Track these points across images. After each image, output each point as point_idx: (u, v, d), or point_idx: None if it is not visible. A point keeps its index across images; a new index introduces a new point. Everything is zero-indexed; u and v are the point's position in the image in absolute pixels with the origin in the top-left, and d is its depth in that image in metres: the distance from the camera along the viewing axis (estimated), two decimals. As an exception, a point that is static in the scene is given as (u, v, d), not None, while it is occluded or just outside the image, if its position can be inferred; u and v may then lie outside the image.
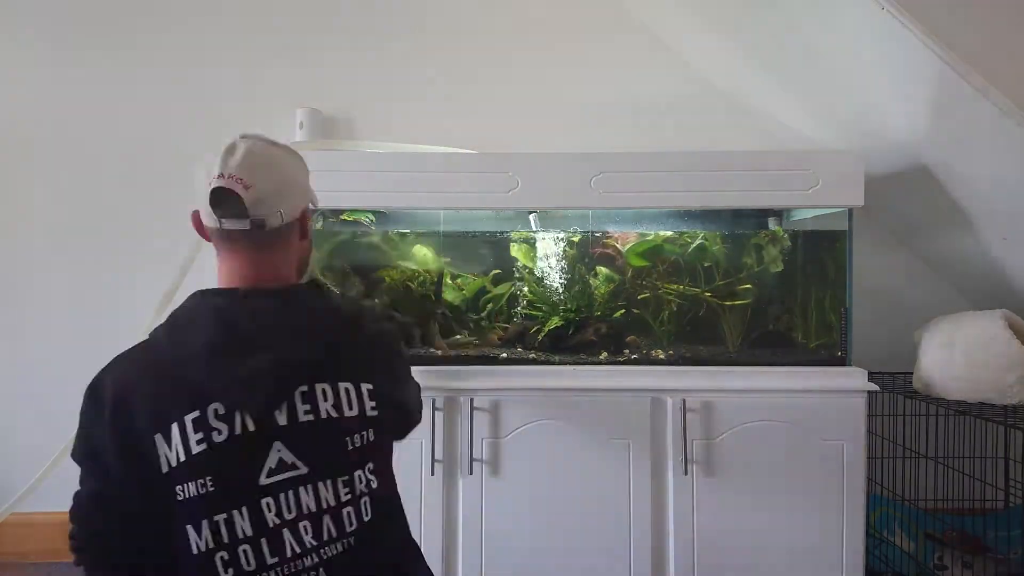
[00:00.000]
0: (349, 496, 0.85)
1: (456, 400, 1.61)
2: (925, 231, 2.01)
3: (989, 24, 1.39)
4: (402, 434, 1.00)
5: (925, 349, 1.70)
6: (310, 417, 0.83)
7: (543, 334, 1.77)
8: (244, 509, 0.79)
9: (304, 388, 0.83)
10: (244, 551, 0.79)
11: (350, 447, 0.85)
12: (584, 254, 1.84)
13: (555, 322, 1.78)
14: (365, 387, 0.88)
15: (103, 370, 0.86)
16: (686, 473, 1.59)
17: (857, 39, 1.53)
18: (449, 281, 1.84)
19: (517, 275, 1.84)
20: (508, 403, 1.59)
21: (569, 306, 1.80)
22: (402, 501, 0.97)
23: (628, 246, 1.81)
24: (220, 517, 0.78)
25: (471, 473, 1.60)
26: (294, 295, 0.88)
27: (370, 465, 0.87)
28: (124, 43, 2.11)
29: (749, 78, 2.05)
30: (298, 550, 0.81)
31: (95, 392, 0.84)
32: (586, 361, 1.72)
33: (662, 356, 1.74)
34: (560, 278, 1.84)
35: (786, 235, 1.77)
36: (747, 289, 1.77)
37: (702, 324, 1.79)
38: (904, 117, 1.64)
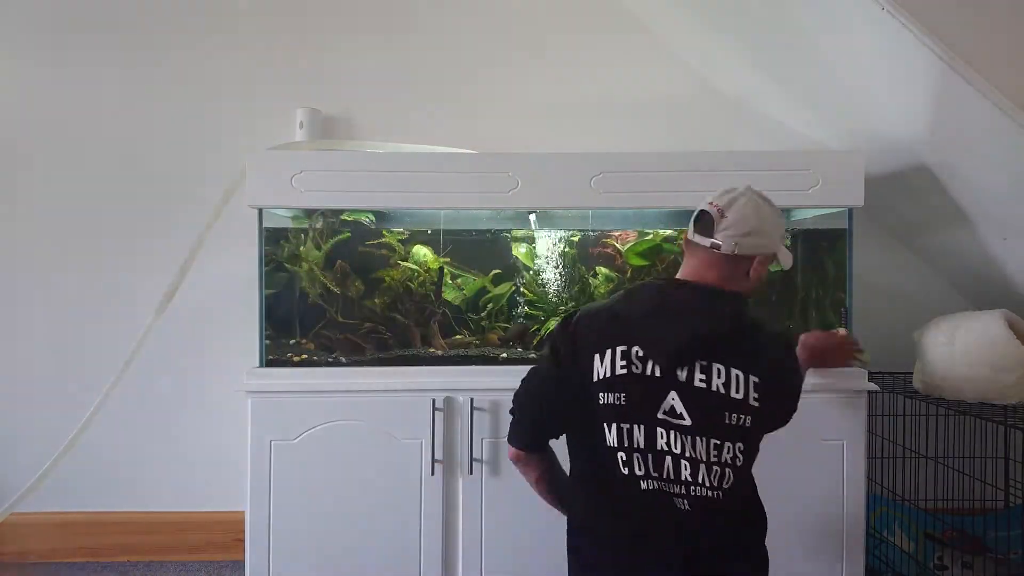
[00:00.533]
0: (716, 459, 1.01)
1: (456, 400, 1.61)
2: (925, 231, 2.01)
3: (989, 24, 1.39)
4: (782, 422, 1.14)
5: (925, 349, 1.70)
6: (703, 385, 1.02)
7: (542, 335, 1.77)
8: (642, 427, 1.02)
9: (704, 362, 1.02)
10: (637, 457, 1.02)
11: (727, 421, 1.01)
12: (584, 254, 1.84)
13: (554, 323, 1.78)
14: (753, 379, 1.03)
15: (578, 309, 1.13)
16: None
17: (857, 39, 1.53)
18: (449, 281, 1.84)
19: (517, 275, 1.84)
20: (508, 403, 1.58)
21: (569, 306, 1.80)
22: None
23: (627, 246, 1.81)
24: (625, 425, 1.02)
25: (471, 473, 1.60)
26: (717, 292, 1.08)
27: (740, 445, 1.03)
28: (124, 43, 2.10)
29: (749, 78, 2.05)
30: (673, 476, 1.01)
31: (568, 318, 1.11)
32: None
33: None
34: (560, 278, 1.84)
35: (787, 235, 1.77)
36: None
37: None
38: (904, 117, 1.64)
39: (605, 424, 1.03)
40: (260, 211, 1.68)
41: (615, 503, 1.05)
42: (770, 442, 1.58)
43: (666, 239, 1.79)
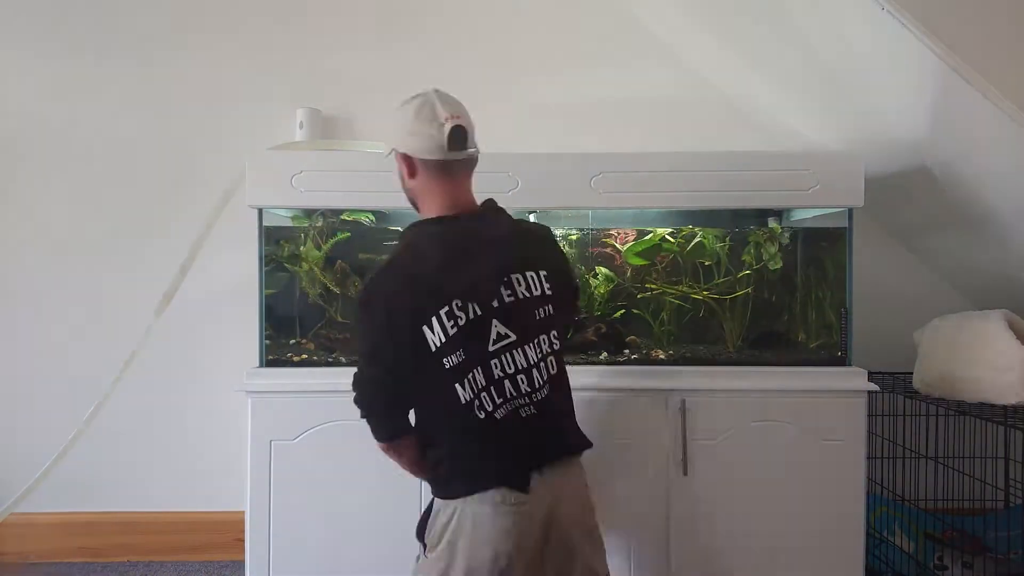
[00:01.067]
0: (541, 355, 1.13)
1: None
2: (925, 231, 2.01)
3: (989, 24, 1.39)
4: (572, 303, 1.30)
5: (925, 349, 1.70)
6: (512, 299, 1.11)
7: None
8: (479, 368, 1.09)
9: (506, 279, 1.12)
10: (484, 396, 1.09)
11: (537, 317, 1.14)
12: (584, 254, 1.84)
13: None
14: (542, 273, 1.16)
15: (368, 288, 1.13)
16: (685, 474, 1.58)
17: (857, 39, 1.53)
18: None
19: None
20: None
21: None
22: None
23: (627, 246, 1.81)
24: (468, 376, 1.08)
25: (471, 473, 1.60)
26: (493, 208, 1.20)
27: (553, 332, 1.16)
28: (124, 44, 2.10)
29: (749, 78, 2.05)
30: (516, 393, 1.10)
31: (368, 306, 1.12)
32: (586, 361, 1.72)
33: (662, 356, 1.74)
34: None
35: (785, 232, 1.77)
36: (746, 288, 1.76)
37: (702, 324, 1.80)
38: (904, 117, 1.64)
39: (456, 385, 1.08)
40: (260, 211, 1.68)
41: (478, 444, 1.11)
42: (771, 442, 1.59)
43: (664, 238, 1.79)
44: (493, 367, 1.10)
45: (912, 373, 1.75)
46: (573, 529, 1.13)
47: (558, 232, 1.84)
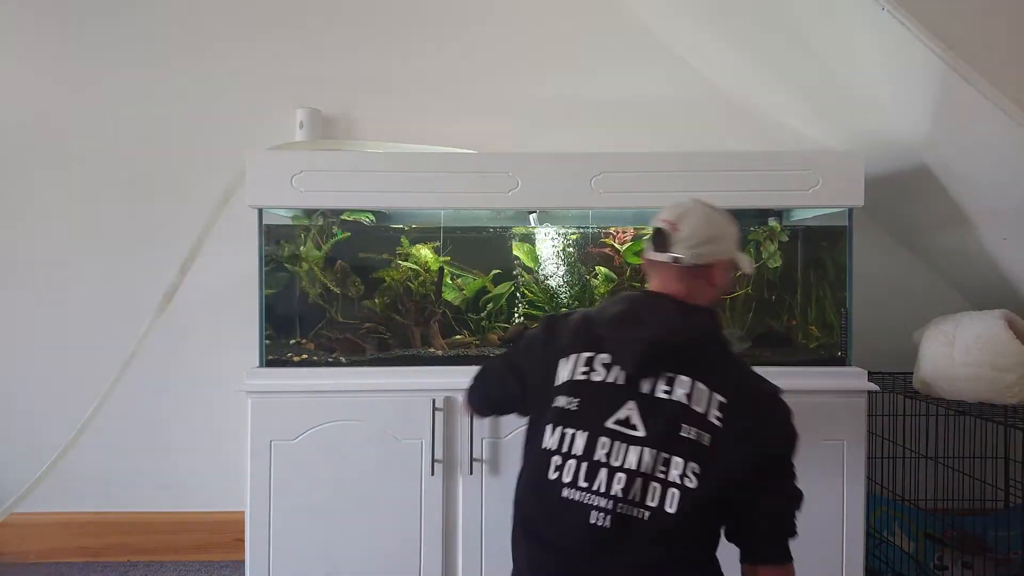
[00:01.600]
0: (663, 476, 0.96)
1: (456, 400, 1.61)
2: (925, 231, 2.01)
3: (989, 24, 1.39)
4: (768, 474, 1.04)
5: (925, 349, 1.70)
6: (665, 396, 1.00)
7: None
8: (585, 434, 0.99)
9: (670, 374, 1.01)
10: (570, 464, 0.98)
11: (683, 434, 0.97)
12: (584, 254, 1.84)
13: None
14: (718, 397, 0.99)
15: (562, 312, 1.25)
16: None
17: (857, 39, 1.53)
18: (449, 281, 1.84)
19: (517, 275, 1.84)
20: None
21: (574, 305, 1.80)
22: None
23: (626, 246, 1.81)
24: (569, 431, 1.00)
25: (471, 473, 1.60)
26: (689, 306, 1.08)
27: (694, 465, 0.96)
28: (124, 43, 2.10)
29: (749, 78, 2.05)
30: (604, 489, 0.96)
31: (550, 320, 1.17)
32: (586, 361, 1.71)
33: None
34: (560, 278, 1.84)
35: (784, 231, 1.77)
36: (746, 287, 1.76)
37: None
38: (904, 117, 1.64)
39: (549, 426, 1.02)
40: (260, 211, 1.68)
41: (535, 505, 1.02)
42: (770, 442, 1.59)
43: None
44: (599, 444, 0.97)
45: (912, 373, 1.75)
46: None
47: (558, 232, 1.84)
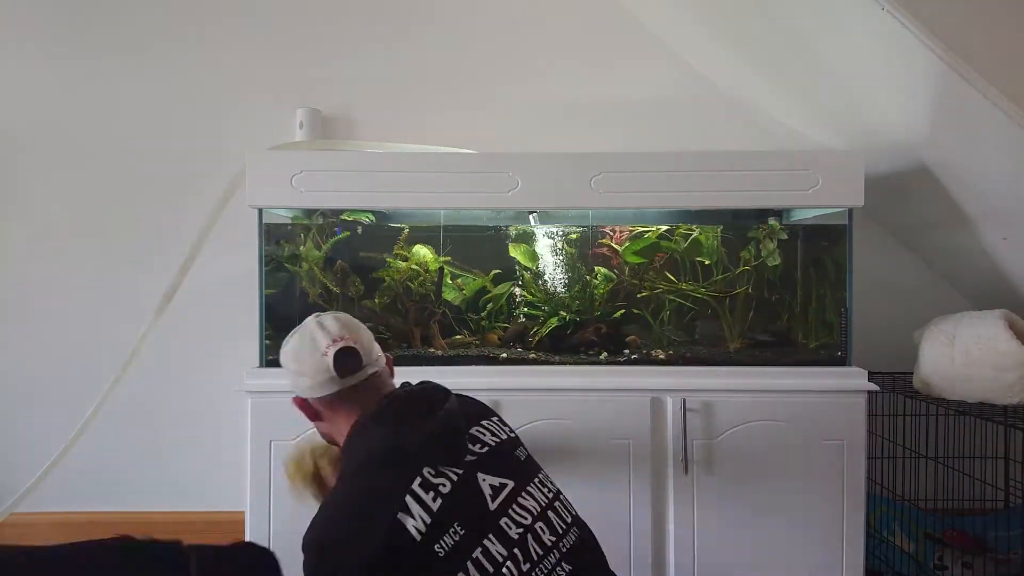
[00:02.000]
0: (551, 494, 0.99)
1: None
2: (925, 231, 2.01)
3: (989, 24, 1.39)
4: None
5: (925, 349, 1.70)
6: (483, 448, 0.99)
7: (541, 334, 1.77)
8: (492, 535, 0.89)
9: (472, 434, 1.00)
10: (507, 569, 0.87)
11: (521, 458, 1.02)
12: (583, 253, 1.84)
13: (554, 322, 1.78)
14: (494, 419, 1.07)
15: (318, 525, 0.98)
16: (686, 473, 1.59)
17: (857, 39, 1.53)
18: (449, 281, 1.84)
19: (517, 275, 1.84)
20: (508, 403, 1.58)
21: (569, 305, 1.80)
22: None
23: (625, 245, 1.81)
24: (478, 552, 0.87)
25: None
26: (425, 383, 1.09)
27: (540, 473, 1.03)
28: (124, 43, 2.10)
29: (749, 78, 2.05)
30: (540, 551, 0.91)
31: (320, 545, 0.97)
32: (586, 361, 1.72)
33: (662, 356, 1.74)
34: (560, 278, 1.84)
35: (783, 229, 1.77)
36: (745, 286, 1.76)
37: (702, 324, 1.79)
38: (904, 117, 1.64)
39: (460, 573, 0.86)
40: (260, 211, 1.68)
41: None
42: (771, 442, 1.59)
43: (661, 236, 1.79)
44: (505, 527, 0.90)
45: (912, 373, 1.75)
46: None
47: (558, 232, 1.84)
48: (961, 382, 1.60)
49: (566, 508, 1.00)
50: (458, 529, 0.87)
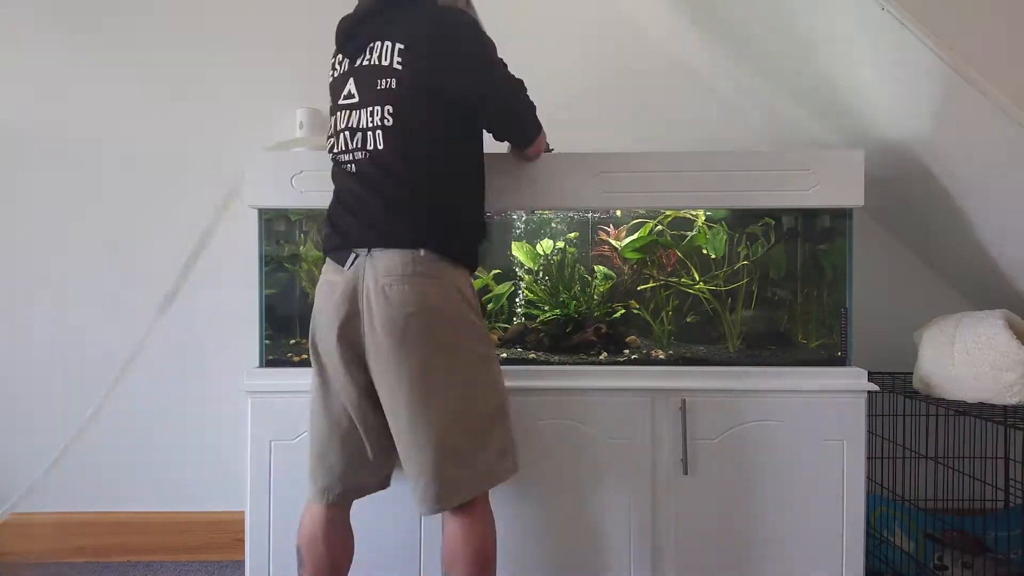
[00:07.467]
0: (371, 124, 1.21)
1: (456, 400, 1.61)
2: (925, 231, 2.01)
3: (989, 24, 1.39)
4: (464, 81, 1.27)
5: (925, 349, 1.70)
6: (366, 63, 1.23)
7: (541, 327, 1.77)
8: (335, 116, 1.27)
9: (373, 43, 1.23)
10: (333, 141, 1.28)
11: (378, 87, 1.21)
12: (583, 253, 1.84)
13: (551, 314, 1.78)
14: (399, 46, 1.20)
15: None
16: (686, 473, 1.59)
17: (856, 39, 1.53)
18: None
19: (517, 274, 1.84)
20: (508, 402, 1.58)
21: (569, 305, 1.80)
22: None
23: (624, 244, 1.81)
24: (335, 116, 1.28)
25: (471, 473, 1.60)
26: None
27: (389, 107, 1.20)
28: (124, 43, 2.10)
29: (748, 78, 2.05)
30: (345, 147, 1.24)
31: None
32: (586, 361, 1.72)
33: (662, 356, 1.74)
34: (559, 277, 1.84)
35: (783, 230, 1.77)
36: (744, 283, 1.76)
37: (701, 324, 1.79)
38: (904, 117, 1.64)
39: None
40: (260, 211, 1.68)
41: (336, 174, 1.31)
42: (771, 442, 1.59)
43: (659, 233, 1.79)
44: (338, 118, 1.26)
45: (912, 373, 1.75)
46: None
47: (557, 231, 1.84)
48: (961, 382, 1.60)
49: (376, 140, 1.21)
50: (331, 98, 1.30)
